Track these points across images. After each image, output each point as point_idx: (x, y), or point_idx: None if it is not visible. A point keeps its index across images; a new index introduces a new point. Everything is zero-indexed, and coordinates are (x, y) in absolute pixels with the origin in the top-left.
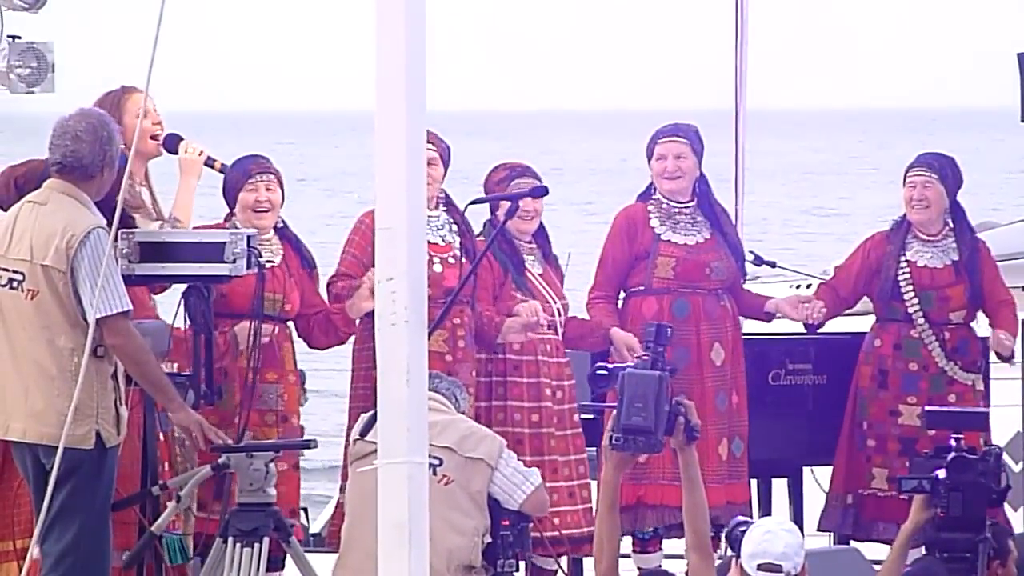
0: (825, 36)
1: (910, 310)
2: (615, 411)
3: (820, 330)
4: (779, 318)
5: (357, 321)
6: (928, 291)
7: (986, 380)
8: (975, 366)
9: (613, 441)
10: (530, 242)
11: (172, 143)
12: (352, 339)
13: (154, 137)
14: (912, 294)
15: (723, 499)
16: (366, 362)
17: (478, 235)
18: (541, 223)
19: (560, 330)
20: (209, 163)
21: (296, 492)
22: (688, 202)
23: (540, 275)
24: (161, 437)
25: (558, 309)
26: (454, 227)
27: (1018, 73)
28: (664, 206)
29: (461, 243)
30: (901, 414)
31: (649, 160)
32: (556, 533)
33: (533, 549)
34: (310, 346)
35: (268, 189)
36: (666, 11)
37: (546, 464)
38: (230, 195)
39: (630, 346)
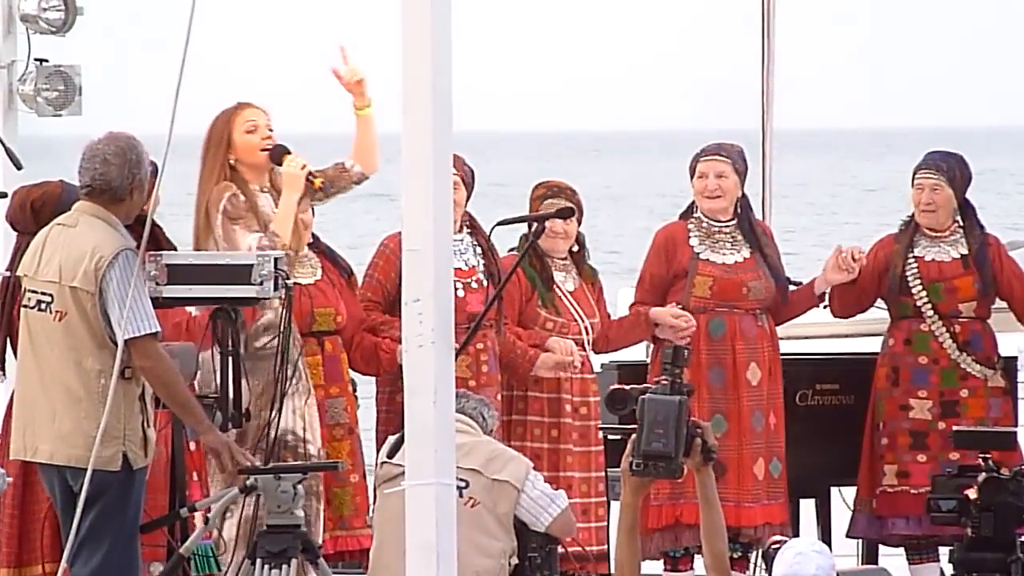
0: (852, 56)
1: (918, 303)
2: (635, 436)
3: (847, 349)
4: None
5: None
6: (936, 283)
7: (1013, 384)
8: (990, 361)
9: (633, 467)
10: (564, 259)
11: (277, 155)
12: None
13: (263, 150)
14: (920, 287)
15: (761, 519)
16: (390, 385)
17: (511, 249)
18: (581, 237)
19: (588, 347)
20: (309, 179)
21: (366, 501)
22: (728, 221)
23: (571, 292)
24: (192, 447)
25: (586, 328)
26: (478, 250)
27: None
28: (704, 225)
29: (485, 266)
30: (912, 408)
31: (691, 178)
32: (577, 549)
33: (561, 564)
34: (348, 366)
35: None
36: (693, 31)
37: (561, 480)
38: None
39: (674, 314)
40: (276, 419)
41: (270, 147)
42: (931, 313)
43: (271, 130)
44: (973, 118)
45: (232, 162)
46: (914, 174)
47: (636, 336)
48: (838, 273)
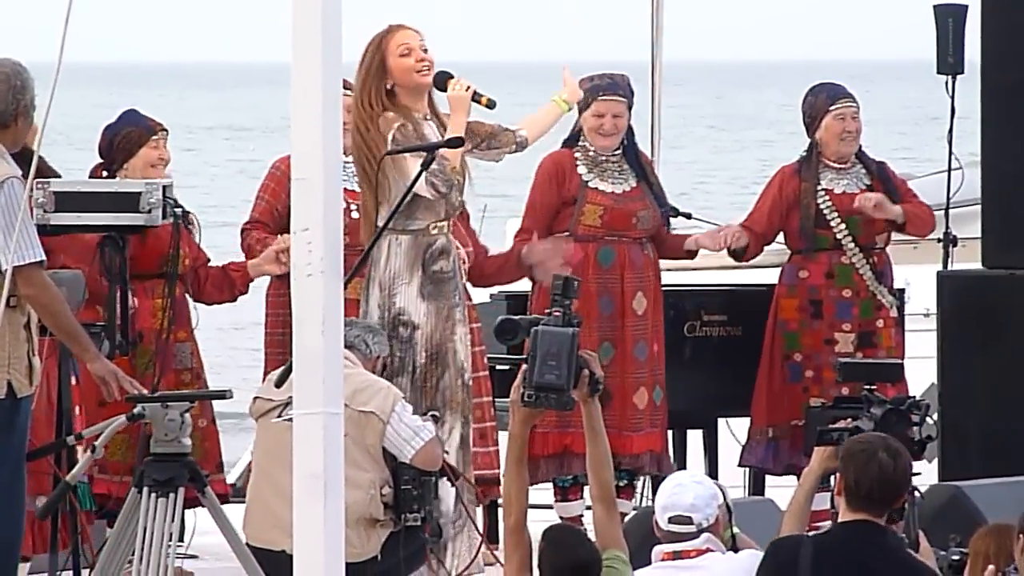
0: None
1: (839, 236)
2: (527, 367)
3: (735, 280)
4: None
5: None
6: (853, 216)
7: (901, 315)
8: (893, 291)
9: (525, 398)
10: None
11: (440, 80)
12: (267, 286)
13: (418, 72)
14: (839, 220)
15: (643, 447)
16: (282, 308)
17: None
18: None
19: (464, 275)
20: (476, 98)
21: (217, 447)
22: (615, 151)
23: None
24: (74, 382)
25: (462, 257)
26: None
27: (934, 26)
28: (591, 154)
29: None
30: (837, 342)
31: (581, 111)
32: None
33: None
34: (198, 300)
35: (165, 146)
36: None
37: None
38: (127, 149)
39: (543, 248)
40: (167, 341)
41: (424, 68)
42: (852, 245)
43: (426, 51)
44: (839, 52)
45: (389, 87)
46: (828, 106)
47: (508, 275)
48: (711, 242)
